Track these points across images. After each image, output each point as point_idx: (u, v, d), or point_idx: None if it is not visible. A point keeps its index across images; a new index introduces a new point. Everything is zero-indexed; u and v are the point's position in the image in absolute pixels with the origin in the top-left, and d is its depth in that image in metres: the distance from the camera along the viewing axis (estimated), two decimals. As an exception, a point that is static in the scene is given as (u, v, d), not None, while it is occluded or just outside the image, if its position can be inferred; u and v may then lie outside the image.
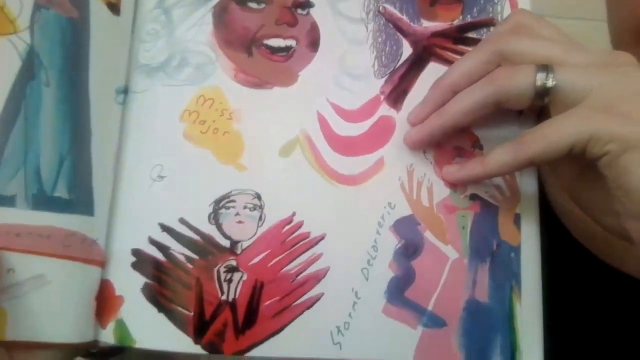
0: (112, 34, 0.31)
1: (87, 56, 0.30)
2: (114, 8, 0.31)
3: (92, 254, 0.28)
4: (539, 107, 0.28)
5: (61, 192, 0.28)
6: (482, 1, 0.32)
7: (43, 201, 0.27)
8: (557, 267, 0.32)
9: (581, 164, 0.27)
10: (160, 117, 0.30)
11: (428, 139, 0.29)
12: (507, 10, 0.31)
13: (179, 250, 0.27)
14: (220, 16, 0.31)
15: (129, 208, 0.28)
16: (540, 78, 0.26)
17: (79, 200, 0.28)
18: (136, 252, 0.28)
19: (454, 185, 0.29)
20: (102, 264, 0.28)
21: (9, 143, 0.27)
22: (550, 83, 0.26)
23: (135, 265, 0.27)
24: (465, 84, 0.28)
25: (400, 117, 0.30)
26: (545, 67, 0.26)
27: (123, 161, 0.29)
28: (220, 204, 0.28)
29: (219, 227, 0.28)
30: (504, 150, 0.27)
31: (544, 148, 0.25)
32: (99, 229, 0.28)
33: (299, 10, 0.31)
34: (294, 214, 0.28)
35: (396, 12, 0.32)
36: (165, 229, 0.28)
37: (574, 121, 0.25)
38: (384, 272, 0.28)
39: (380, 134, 0.30)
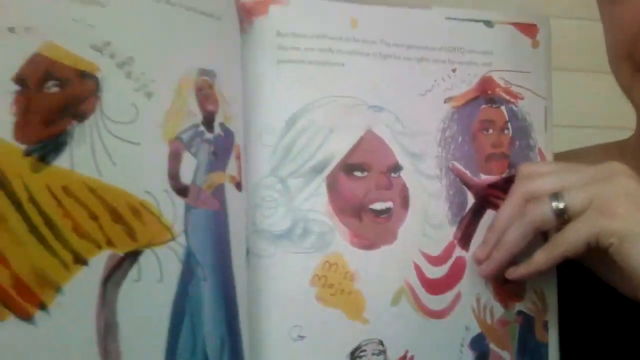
0: (239, 210, 0.33)
1: (228, 239, 0.32)
2: (239, 186, 0.33)
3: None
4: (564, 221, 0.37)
5: (225, 372, 0.32)
6: (521, 156, 0.40)
7: (213, 383, 0.31)
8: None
9: (601, 253, 0.36)
10: (292, 282, 0.34)
11: (497, 269, 0.38)
12: (539, 162, 0.41)
13: (327, 398, 0.34)
14: (333, 186, 0.35)
15: (276, 366, 0.33)
16: (555, 204, 0.36)
17: (238, 372, 0.32)
18: (288, 404, 0.33)
19: (507, 306, 0.40)
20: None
21: (180, 340, 0.30)
22: (562, 205, 0.36)
23: (294, 417, 0.33)
24: (509, 224, 0.38)
25: (469, 255, 0.39)
26: (556, 195, 0.36)
27: (261, 323, 0.33)
28: (354, 355, 0.35)
29: (356, 375, 0.35)
30: (543, 252, 0.37)
31: (568, 247, 0.36)
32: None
33: (392, 174, 0.37)
34: (407, 351, 0.36)
35: (461, 168, 0.39)
36: (313, 382, 0.34)
37: (585, 225, 0.35)
38: (466, 381, 0.38)
39: (457, 272, 0.38)
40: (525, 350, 0.40)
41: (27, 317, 0.26)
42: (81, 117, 0.26)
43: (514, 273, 0.39)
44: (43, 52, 0.25)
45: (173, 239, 0.30)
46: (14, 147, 0.25)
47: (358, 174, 0.36)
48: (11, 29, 0.25)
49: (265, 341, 0.34)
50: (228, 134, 0.32)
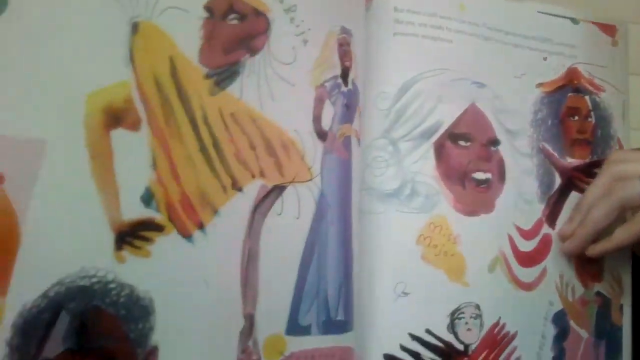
0: (360, 163, 0.35)
1: (350, 188, 0.33)
2: (359, 142, 0.35)
3: (357, 364, 0.33)
4: None
5: (341, 315, 0.32)
6: (603, 144, 0.43)
7: (329, 326, 0.32)
8: None
9: None
10: (399, 240, 0.35)
11: (582, 245, 0.40)
12: (618, 150, 0.44)
13: (427, 355, 0.35)
14: (440, 152, 0.37)
15: (380, 319, 0.34)
16: None
17: (349, 319, 0.33)
18: (389, 357, 0.34)
19: (587, 286, 0.41)
20: (361, 370, 0.34)
21: (308, 277, 0.31)
22: None
23: (392, 369, 0.34)
24: (596, 203, 0.40)
25: (555, 233, 0.41)
26: None
27: (369, 277, 0.35)
28: (454, 316, 0.36)
29: (455, 335, 0.36)
30: (623, 229, 0.39)
31: None
32: (355, 339, 0.34)
33: (492, 148, 0.39)
34: (500, 318, 0.37)
35: (550, 149, 0.41)
36: (415, 338, 0.35)
37: None
38: (548, 353, 0.39)
39: (544, 248, 0.40)
40: (602, 331, 0.42)
41: (187, 235, 0.27)
42: (253, 51, 0.28)
43: (593, 250, 0.40)
44: (229, -12, 0.27)
45: (311, 179, 0.31)
46: (198, 69, 0.26)
47: (462, 143, 0.38)
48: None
49: (371, 294, 0.35)
50: (356, 91, 0.34)
